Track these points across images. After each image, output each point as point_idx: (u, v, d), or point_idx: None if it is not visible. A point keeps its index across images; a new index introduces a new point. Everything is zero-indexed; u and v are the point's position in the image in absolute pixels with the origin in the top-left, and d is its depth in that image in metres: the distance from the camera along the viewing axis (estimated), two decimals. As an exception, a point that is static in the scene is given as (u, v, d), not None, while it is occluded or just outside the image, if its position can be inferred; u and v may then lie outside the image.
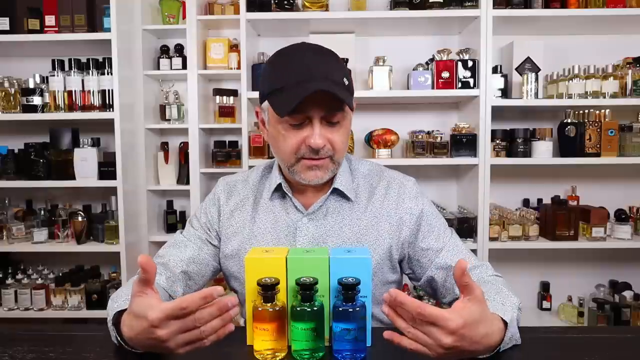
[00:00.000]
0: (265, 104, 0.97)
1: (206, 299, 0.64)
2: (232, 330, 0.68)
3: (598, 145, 2.13)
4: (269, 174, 1.09)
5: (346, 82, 0.92)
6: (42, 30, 2.17)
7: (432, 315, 0.63)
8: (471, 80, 2.13)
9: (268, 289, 0.74)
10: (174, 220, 2.44)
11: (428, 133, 2.23)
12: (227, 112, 2.32)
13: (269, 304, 0.74)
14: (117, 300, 0.82)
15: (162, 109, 2.40)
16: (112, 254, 2.21)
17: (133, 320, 0.70)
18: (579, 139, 2.13)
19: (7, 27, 2.17)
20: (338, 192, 1.03)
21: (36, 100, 2.19)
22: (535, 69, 2.21)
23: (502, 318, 0.75)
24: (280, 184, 1.03)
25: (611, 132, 2.12)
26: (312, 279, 0.74)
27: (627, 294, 2.24)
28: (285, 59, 0.94)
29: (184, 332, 0.66)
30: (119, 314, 0.77)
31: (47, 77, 2.21)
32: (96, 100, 2.20)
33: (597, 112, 2.17)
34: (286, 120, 0.92)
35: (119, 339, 0.76)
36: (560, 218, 2.15)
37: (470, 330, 0.66)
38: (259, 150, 2.18)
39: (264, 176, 1.11)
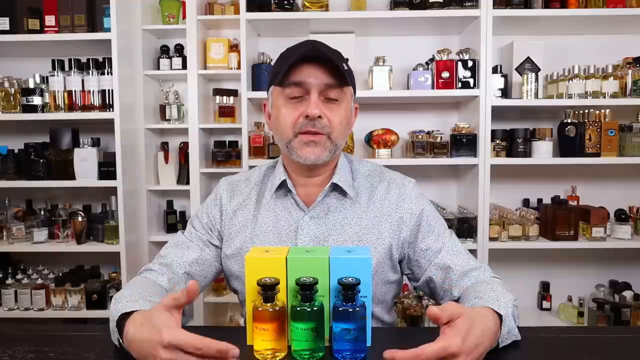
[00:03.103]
0: (270, 90, 1.03)
1: (221, 353, 0.64)
2: None
3: (598, 145, 2.13)
4: (271, 173, 1.10)
5: (345, 67, 0.97)
6: (42, 30, 2.17)
7: (433, 353, 0.64)
8: (471, 80, 2.13)
9: (268, 289, 0.74)
10: (174, 220, 2.44)
11: (428, 133, 2.23)
12: (227, 112, 2.32)
13: (269, 304, 0.74)
14: (121, 301, 0.81)
15: (162, 109, 2.40)
16: (112, 254, 2.21)
17: (145, 326, 0.70)
18: (579, 139, 2.13)
19: (7, 27, 2.16)
20: (338, 190, 1.04)
21: (36, 100, 2.19)
22: (535, 69, 2.21)
23: (494, 310, 0.77)
24: (284, 181, 1.03)
25: (611, 132, 2.12)
26: (312, 279, 0.74)
27: (627, 294, 2.24)
28: (290, 48, 1.02)
29: None
30: (123, 316, 0.77)
31: (47, 77, 2.21)
32: (96, 100, 2.19)
33: (597, 112, 2.17)
34: (286, 95, 0.98)
35: (120, 340, 0.76)
36: (560, 218, 2.15)
37: (470, 340, 0.67)
38: (259, 150, 2.18)
39: (267, 175, 1.11)
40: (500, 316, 0.76)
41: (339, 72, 0.95)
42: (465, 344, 0.65)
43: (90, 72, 2.19)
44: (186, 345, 0.64)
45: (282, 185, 1.04)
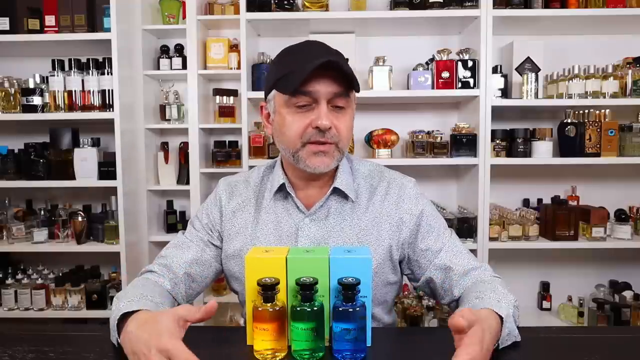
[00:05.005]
0: (272, 94, 0.99)
1: None
2: None
3: (598, 145, 2.13)
4: (270, 174, 1.09)
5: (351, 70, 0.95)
6: (42, 30, 2.17)
7: None
8: (471, 80, 2.13)
9: (268, 289, 0.74)
10: (174, 220, 2.44)
11: (428, 133, 2.23)
12: (227, 112, 2.32)
13: (269, 304, 0.74)
14: (123, 301, 0.82)
15: (162, 109, 2.40)
16: (112, 254, 2.21)
17: (148, 325, 0.70)
18: (579, 139, 2.13)
19: (7, 27, 2.17)
20: (339, 192, 1.03)
21: (36, 100, 2.19)
22: (535, 69, 2.21)
23: (496, 312, 0.77)
24: (283, 184, 1.03)
25: (611, 132, 2.12)
26: (312, 279, 0.74)
27: (627, 294, 2.24)
28: (291, 51, 0.98)
29: None
30: (124, 315, 0.77)
31: (47, 77, 2.21)
32: (96, 100, 2.20)
33: (597, 112, 2.17)
34: (293, 103, 0.94)
35: (118, 339, 0.76)
36: (560, 218, 2.15)
37: (486, 346, 0.67)
38: (259, 150, 2.18)
39: (266, 176, 1.10)
40: (501, 317, 0.77)
41: (348, 78, 0.92)
42: (483, 351, 0.66)
43: (90, 72, 2.19)
44: (178, 357, 0.63)
45: (281, 188, 1.04)
